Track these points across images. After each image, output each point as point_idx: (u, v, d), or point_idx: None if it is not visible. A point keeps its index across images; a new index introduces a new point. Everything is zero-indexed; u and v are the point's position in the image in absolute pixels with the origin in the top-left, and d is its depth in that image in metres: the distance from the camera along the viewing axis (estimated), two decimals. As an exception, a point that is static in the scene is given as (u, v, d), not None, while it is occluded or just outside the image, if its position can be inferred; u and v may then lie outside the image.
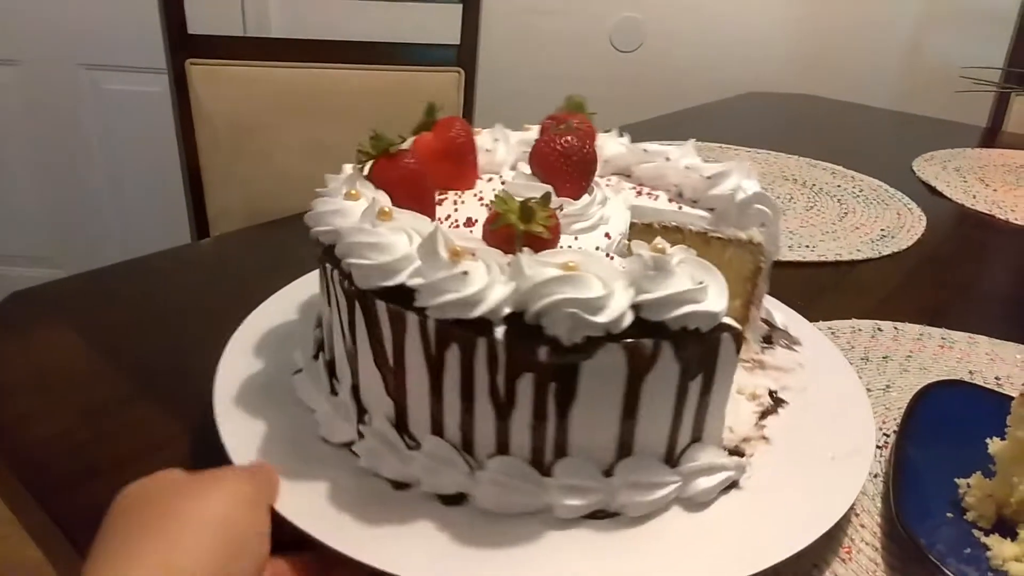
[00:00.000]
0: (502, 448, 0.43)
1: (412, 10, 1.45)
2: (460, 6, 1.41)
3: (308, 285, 0.65)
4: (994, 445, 0.50)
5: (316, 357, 0.53)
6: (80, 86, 2.01)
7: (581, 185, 0.54)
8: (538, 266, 0.41)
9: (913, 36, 2.08)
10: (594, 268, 0.41)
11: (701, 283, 0.42)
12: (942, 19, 2.05)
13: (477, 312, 0.40)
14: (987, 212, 1.09)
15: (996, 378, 0.68)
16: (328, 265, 0.46)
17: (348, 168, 0.54)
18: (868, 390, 0.64)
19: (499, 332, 0.40)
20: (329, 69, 1.38)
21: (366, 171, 0.51)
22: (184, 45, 1.29)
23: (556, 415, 0.42)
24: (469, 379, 0.42)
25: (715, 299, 0.42)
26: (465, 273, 0.40)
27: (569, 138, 0.53)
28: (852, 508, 0.50)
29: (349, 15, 1.54)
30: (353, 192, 0.48)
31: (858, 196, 1.11)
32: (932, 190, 1.17)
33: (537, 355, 0.40)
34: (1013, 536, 0.47)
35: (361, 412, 0.47)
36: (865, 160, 1.26)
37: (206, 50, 1.31)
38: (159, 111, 1.43)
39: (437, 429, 0.44)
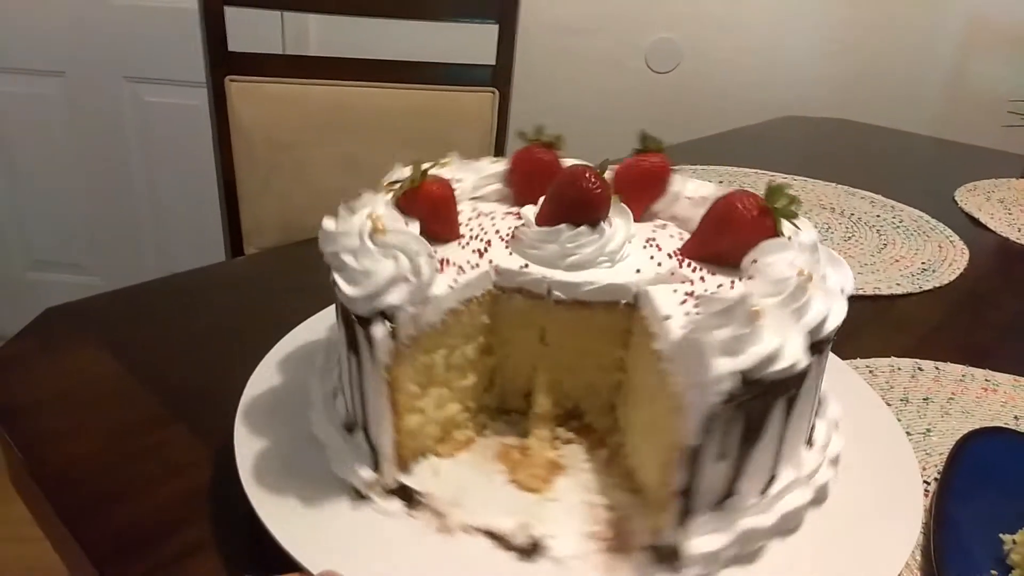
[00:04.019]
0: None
1: (448, 30, 1.46)
2: (496, 26, 1.42)
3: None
4: (1042, 501, 0.48)
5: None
6: (122, 98, 2.05)
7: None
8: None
9: (955, 63, 2.05)
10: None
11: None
12: (985, 46, 2.01)
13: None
14: (1033, 246, 1.06)
15: (1043, 424, 0.65)
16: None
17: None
18: (908, 433, 0.62)
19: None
20: (365, 87, 1.39)
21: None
22: (224, 62, 1.31)
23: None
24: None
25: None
26: None
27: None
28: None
29: (386, 34, 1.55)
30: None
31: (898, 227, 1.09)
32: (975, 222, 1.14)
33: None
34: (1062, 599, 0.45)
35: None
36: (905, 189, 1.24)
37: (245, 67, 1.33)
38: (198, 124, 1.45)
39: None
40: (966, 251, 1.02)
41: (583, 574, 0.43)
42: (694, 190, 0.61)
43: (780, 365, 0.40)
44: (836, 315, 0.45)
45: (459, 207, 0.57)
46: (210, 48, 1.29)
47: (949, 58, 2.05)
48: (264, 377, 0.57)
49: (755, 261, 0.48)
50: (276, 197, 1.39)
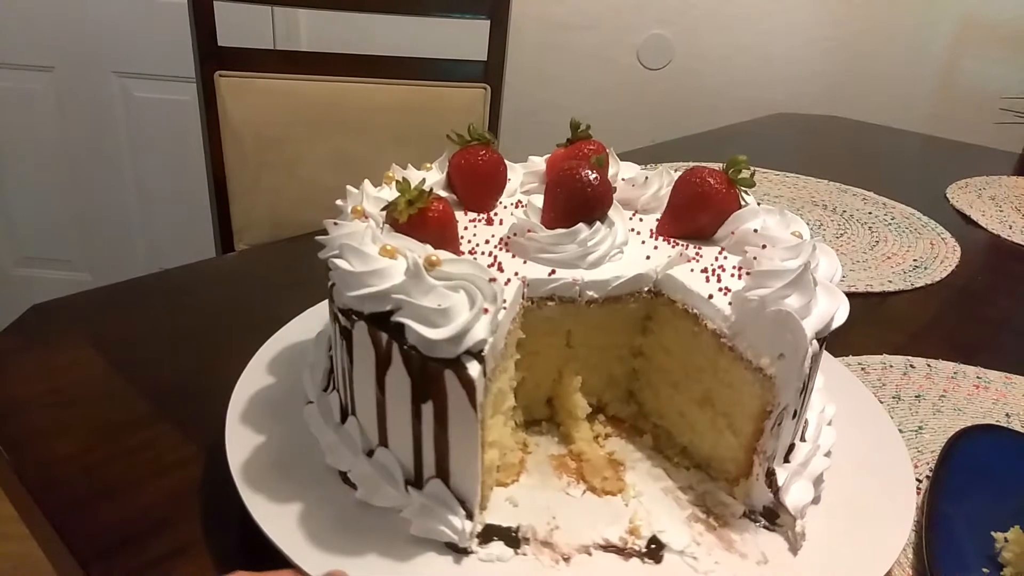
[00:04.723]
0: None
1: (440, 25, 1.45)
2: (488, 22, 1.41)
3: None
4: (1034, 499, 0.48)
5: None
6: (112, 93, 2.03)
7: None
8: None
9: (947, 60, 2.05)
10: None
11: None
12: (977, 45, 2.01)
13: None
14: (1024, 243, 1.06)
15: (1034, 421, 0.65)
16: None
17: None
18: (900, 431, 0.62)
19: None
20: (356, 83, 1.38)
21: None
22: (213, 56, 1.29)
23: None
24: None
25: None
26: None
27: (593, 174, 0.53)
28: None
29: (377, 30, 1.55)
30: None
31: (890, 224, 1.09)
32: (966, 219, 1.15)
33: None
34: (1053, 596, 0.45)
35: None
36: (897, 186, 1.24)
37: (235, 62, 1.32)
38: (188, 119, 1.44)
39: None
40: (957, 248, 1.02)
41: (712, 557, 0.44)
42: (626, 172, 0.64)
43: (839, 321, 0.45)
44: (838, 265, 0.50)
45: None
46: (200, 43, 1.28)
47: (941, 55, 2.05)
48: (255, 374, 0.56)
49: (733, 232, 0.53)
50: (266, 193, 1.38)
